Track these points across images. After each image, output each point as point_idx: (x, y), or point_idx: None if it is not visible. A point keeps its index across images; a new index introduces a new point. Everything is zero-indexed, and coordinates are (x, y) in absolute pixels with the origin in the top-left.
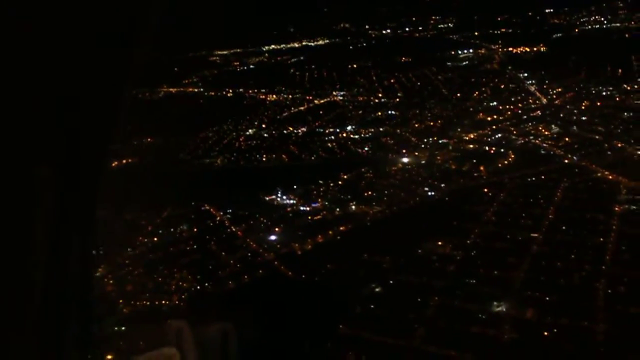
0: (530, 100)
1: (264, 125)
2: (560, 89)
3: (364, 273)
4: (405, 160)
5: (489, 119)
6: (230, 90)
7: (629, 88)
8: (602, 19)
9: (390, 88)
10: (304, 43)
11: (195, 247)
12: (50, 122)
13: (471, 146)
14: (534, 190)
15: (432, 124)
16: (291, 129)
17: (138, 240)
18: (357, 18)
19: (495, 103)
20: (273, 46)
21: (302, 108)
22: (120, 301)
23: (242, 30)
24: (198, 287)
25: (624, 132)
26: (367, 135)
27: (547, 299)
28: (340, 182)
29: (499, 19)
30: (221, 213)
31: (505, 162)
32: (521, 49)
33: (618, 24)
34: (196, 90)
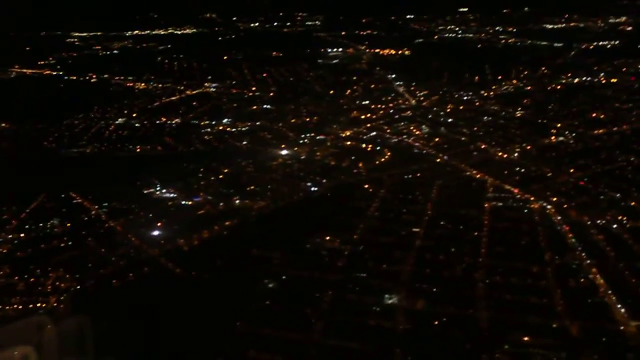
0: (400, 101)
1: (134, 115)
2: (426, 92)
3: (255, 269)
4: (284, 154)
5: (362, 117)
6: (94, 76)
7: (485, 94)
8: (457, 28)
9: (264, 82)
10: (170, 30)
11: (70, 243)
12: None
13: (348, 143)
14: (412, 187)
15: (308, 119)
16: (164, 119)
17: (0, 236)
18: (222, 9)
19: (367, 102)
20: (137, 31)
21: (173, 98)
22: None
23: (101, 12)
24: (78, 287)
25: (486, 134)
26: (244, 129)
27: (435, 290)
28: (221, 176)
29: (364, 20)
30: (96, 206)
31: (382, 159)
32: (387, 51)
33: (471, 35)
34: (55, 73)
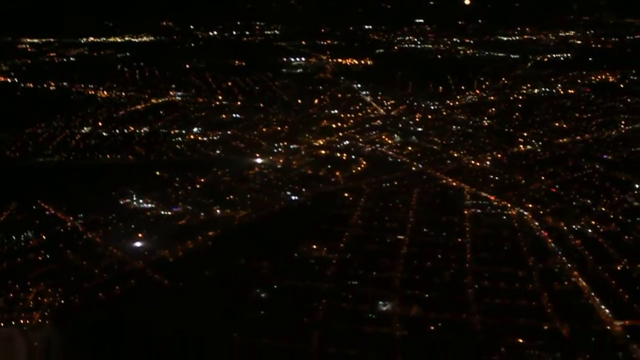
0: (369, 110)
1: (100, 124)
2: (393, 101)
3: (245, 278)
4: (260, 163)
5: (334, 126)
6: (52, 84)
7: (451, 104)
8: (415, 39)
9: (230, 91)
10: (126, 38)
11: (48, 256)
12: None
13: (323, 152)
14: (391, 195)
15: (279, 128)
16: (132, 128)
17: None
18: (178, 17)
19: (336, 111)
20: (92, 38)
21: (139, 107)
22: None
23: (53, 18)
24: (62, 302)
25: (457, 143)
26: (216, 138)
27: (427, 296)
28: (198, 186)
29: (322, 30)
30: (71, 218)
31: (359, 168)
32: (349, 61)
33: (430, 46)
34: (9, 80)
